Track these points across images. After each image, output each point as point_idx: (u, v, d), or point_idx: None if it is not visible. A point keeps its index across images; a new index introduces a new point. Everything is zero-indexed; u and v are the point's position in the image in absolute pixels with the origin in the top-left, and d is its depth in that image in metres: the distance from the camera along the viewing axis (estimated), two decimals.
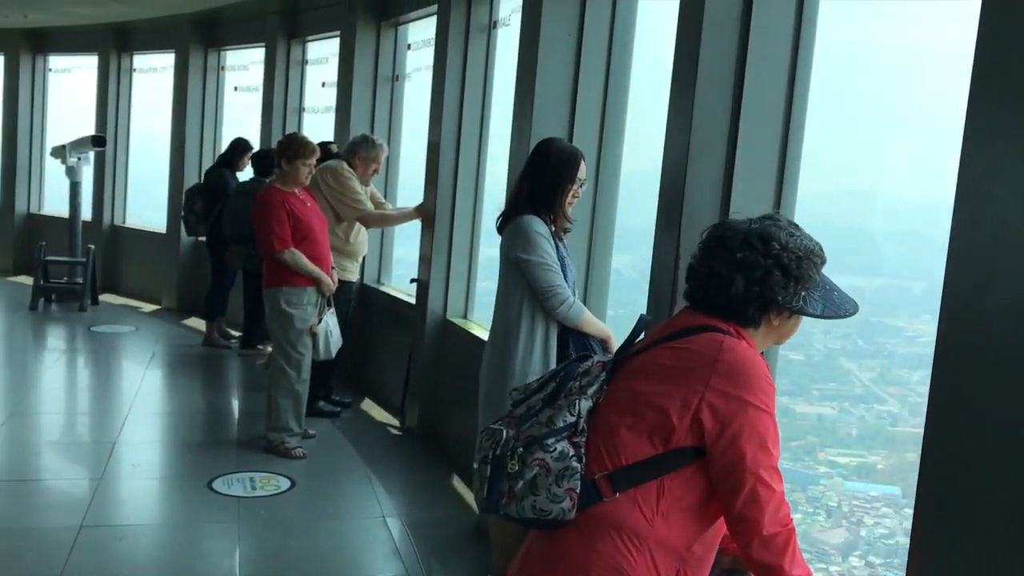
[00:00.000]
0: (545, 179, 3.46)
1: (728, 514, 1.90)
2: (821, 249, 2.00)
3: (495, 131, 5.69)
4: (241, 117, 9.81)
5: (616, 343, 3.27)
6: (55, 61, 12.15)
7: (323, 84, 8.47)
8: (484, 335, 4.32)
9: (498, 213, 3.61)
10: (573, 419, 1.91)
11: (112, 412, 6.34)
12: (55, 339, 8.98)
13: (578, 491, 1.87)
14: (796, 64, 3.09)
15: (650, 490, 1.88)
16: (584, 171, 3.53)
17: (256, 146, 8.53)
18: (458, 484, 5.17)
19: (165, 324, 9.40)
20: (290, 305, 5.38)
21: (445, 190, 5.88)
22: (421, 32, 6.93)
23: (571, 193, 3.49)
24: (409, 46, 7.20)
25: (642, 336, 2.06)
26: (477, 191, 5.88)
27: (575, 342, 3.44)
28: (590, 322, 3.48)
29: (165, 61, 10.65)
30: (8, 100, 12.01)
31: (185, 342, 8.53)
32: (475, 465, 2.00)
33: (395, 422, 6.30)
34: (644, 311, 3.32)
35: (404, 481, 5.32)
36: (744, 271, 1.93)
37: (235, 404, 6.92)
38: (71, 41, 11.66)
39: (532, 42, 4.52)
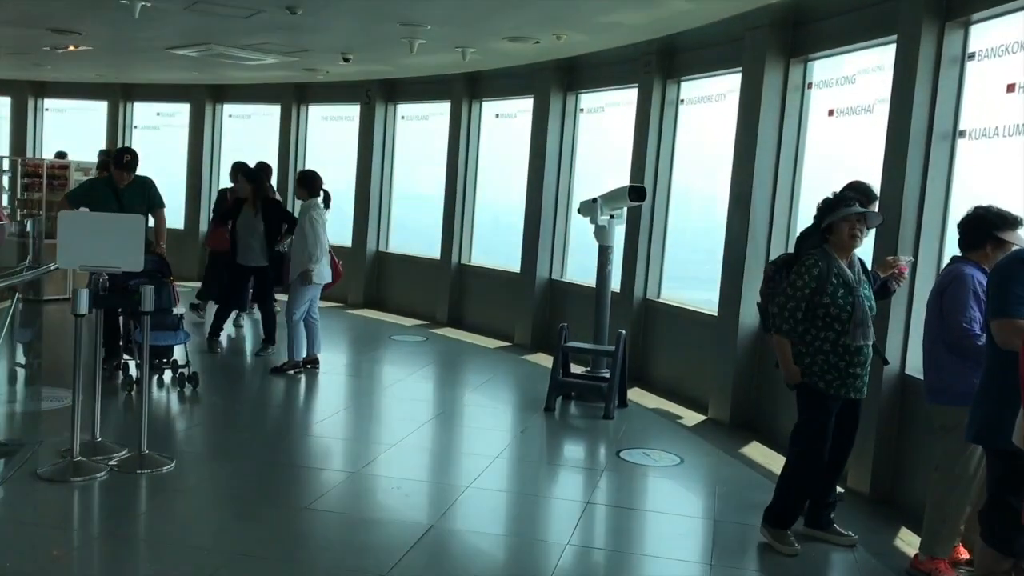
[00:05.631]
0: None
1: None
2: None
3: None
4: (838, 150, 6.74)
5: None
6: (586, 100, 10.17)
7: (1011, 88, 5.01)
8: None
9: None
10: None
11: None
12: (570, 473, 6.47)
13: None
14: None
15: None
16: None
17: (876, 189, 5.37)
18: None
19: (719, 455, 6.49)
20: None
21: None
22: None
23: None
24: None
25: None
26: None
27: None
28: None
29: (724, 85, 7.96)
30: (535, 145, 10.24)
31: (759, 500, 5.07)
32: None
33: None
34: None
35: None
36: None
37: None
38: (604, 73, 9.55)
39: None
